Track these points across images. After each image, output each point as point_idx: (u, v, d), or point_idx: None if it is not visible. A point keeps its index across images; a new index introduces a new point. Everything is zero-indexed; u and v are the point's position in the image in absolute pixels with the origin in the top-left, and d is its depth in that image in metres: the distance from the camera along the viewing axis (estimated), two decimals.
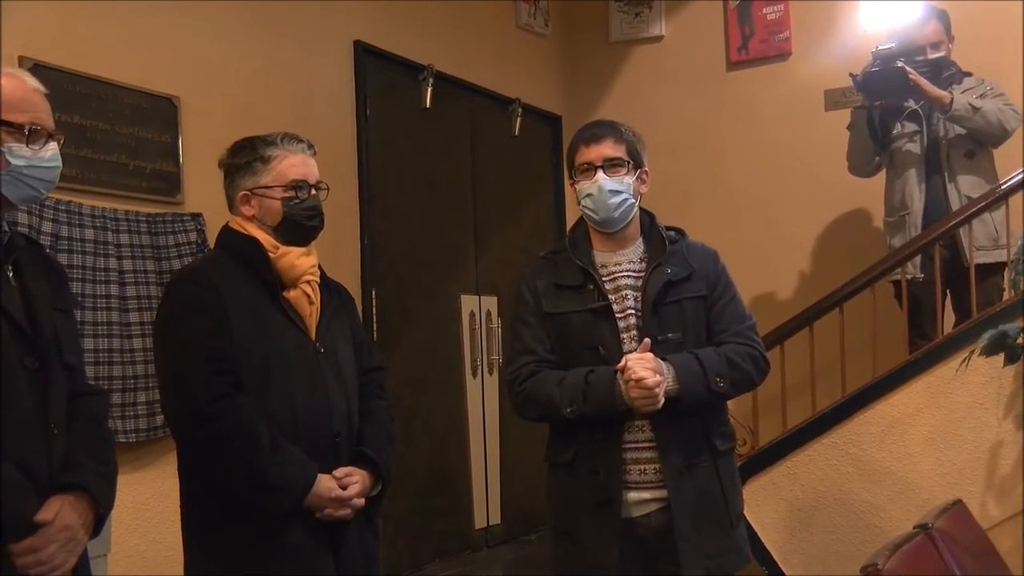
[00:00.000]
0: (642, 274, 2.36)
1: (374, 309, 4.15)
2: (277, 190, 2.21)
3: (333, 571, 2.15)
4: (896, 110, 4.02)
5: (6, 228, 1.77)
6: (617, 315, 2.33)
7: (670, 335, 2.30)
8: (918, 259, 3.84)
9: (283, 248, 2.21)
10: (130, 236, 3.17)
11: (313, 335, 2.22)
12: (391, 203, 4.33)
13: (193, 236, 3.33)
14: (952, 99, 3.81)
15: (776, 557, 3.78)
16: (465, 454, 4.64)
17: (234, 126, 2.93)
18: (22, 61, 2.91)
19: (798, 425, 3.85)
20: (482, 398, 4.76)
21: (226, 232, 2.27)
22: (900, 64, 3.81)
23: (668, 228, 2.46)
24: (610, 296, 2.34)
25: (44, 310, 1.78)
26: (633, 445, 2.30)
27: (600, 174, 2.34)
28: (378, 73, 4.32)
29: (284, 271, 2.20)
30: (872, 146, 4.04)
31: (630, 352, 2.27)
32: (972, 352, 3.20)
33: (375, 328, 4.14)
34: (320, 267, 2.31)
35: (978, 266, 3.78)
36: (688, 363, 2.26)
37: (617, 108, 5.29)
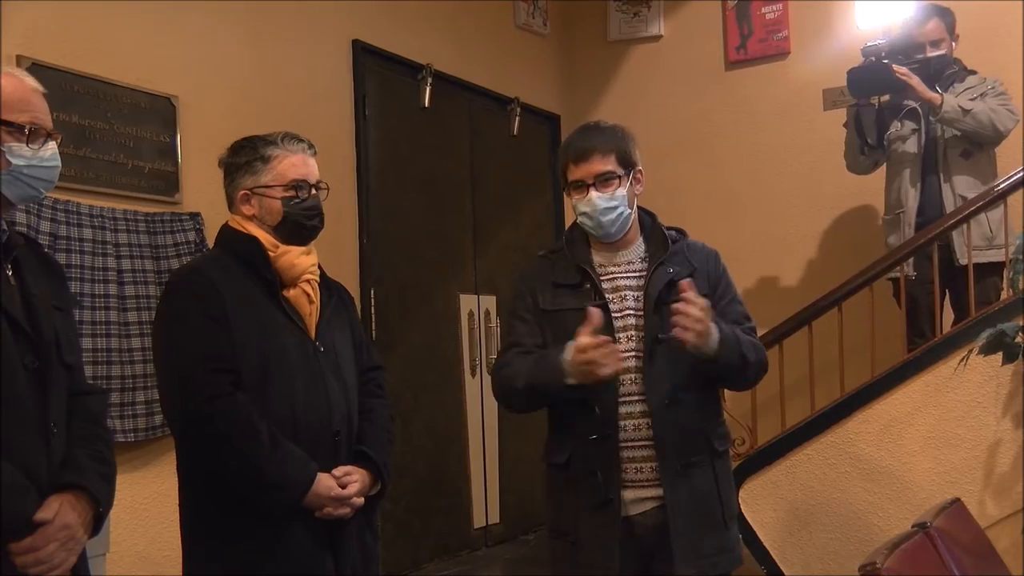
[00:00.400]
0: (643, 274, 2.35)
1: (373, 308, 4.15)
2: (277, 189, 2.21)
3: (332, 570, 2.15)
4: (895, 108, 4.02)
5: (5, 227, 1.77)
6: (614, 314, 2.33)
7: (672, 334, 2.30)
8: (936, 257, 3.82)
9: (283, 247, 2.21)
10: (128, 235, 3.17)
11: (313, 334, 2.21)
12: (390, 202, 4.33)
13: (191, 235, 3.33)
14: (942, 101, 3.80)
15: (775, 556, 3.78)
16: (464, 454, 4.64)
17: (233, 125, 2.94)
18: (20, 60, 2.91)
19: (797, 424, 3.85)
20: (481, 397, 4.76)
21: (226, 231, 2.27)
22: (884, 60, 3.81)
23: (669, 228, 2.45)
24: (608, 295, 2.34)
25: (43, 309, 1.78)
26: (631, 443, 2.30)
27: (592, 192, 2.31)
28: (377, 72, 4.32)
29: (284, 270, 2.20)
30: (860, 146, 4.03)
31: (624, 352, 2.27)
32: (970, 351, 3.20)
33: (374, 327, 4.14)
34: (320, 266, 2.31)
35: (974, 266, 3.79)
36: (724, 328, 2.26)
37: (616, 107, 5.30)
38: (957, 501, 2.59)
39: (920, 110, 3.98)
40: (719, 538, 2.32)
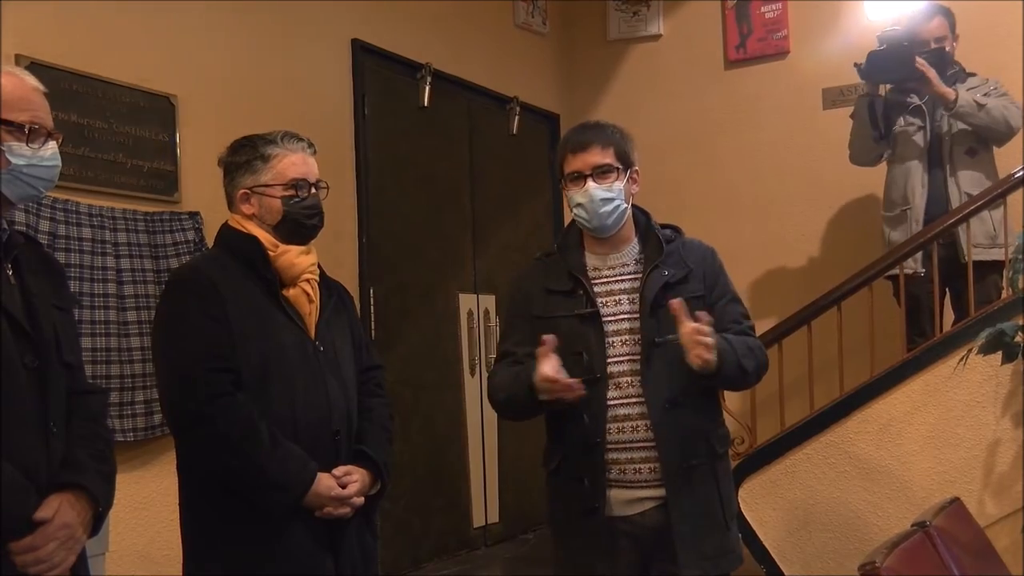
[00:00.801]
0: (638, 276, 2.35)
1: (372, 308, 4.15)
2: (277, 188, 2.20)
3: (332, 570, 2.15)
4: (901, 104, 4.02)
5: (5, 226, 1.77)
6: (606, 320, 2.32)
7: (669, 337, 2.29)
8: (920, 255, 3.83)
9: (282, 247, 2.20)
10: (128, 235, 3.17)
11: (312, 334, 2.21)
12: (389, 202, 4.33)
13: (191, 235, 3.33)
14: (957, 95, 3.81)
15: (774, 555, 3.78)
16: (463, 453, 4.64)
17: (232, 124, 2.93)
18: (19, 59, 2.91)
19: (796, 424, 3.85)
20: (480, 397, 4.75)
21: (225, 230, 2.27)
22: (906, 44, 3.81)
23: (664, 226, 2.45)
24: (602, 300, 2.34)
25: (44, 309, 1.78)
26: (629, 444, 2.30)
27: (590, 183, 2.32)
28: (376, 71, 4.32)
29: (283, 270, 2.20)
30: (873, 134, 4.02)
31: (616, 357, 2.29)
32: (970, 351, 3.21)
33: (373, 327, 4.13)
34: (319, 266, 2.31)
35: (976, 264, 3.79)
36: (720, 341, 2.24)
37: (615, 107, 5.30)
38: (956, 500, 2.59)
39: (925, 107, 3.98)
40: (721, 539, 2.33)
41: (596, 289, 2.35)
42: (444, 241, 4.65)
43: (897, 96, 4.02)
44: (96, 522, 1.78)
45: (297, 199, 2.21)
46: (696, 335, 2.17)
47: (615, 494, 2.30)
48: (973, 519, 2.63)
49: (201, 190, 3.35)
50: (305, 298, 2.22)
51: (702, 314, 2.21)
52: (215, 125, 3.42)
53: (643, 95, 5.36)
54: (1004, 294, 3.71)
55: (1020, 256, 3.00)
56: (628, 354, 2.30)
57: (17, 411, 1.67)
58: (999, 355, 3.00)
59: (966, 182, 3.91)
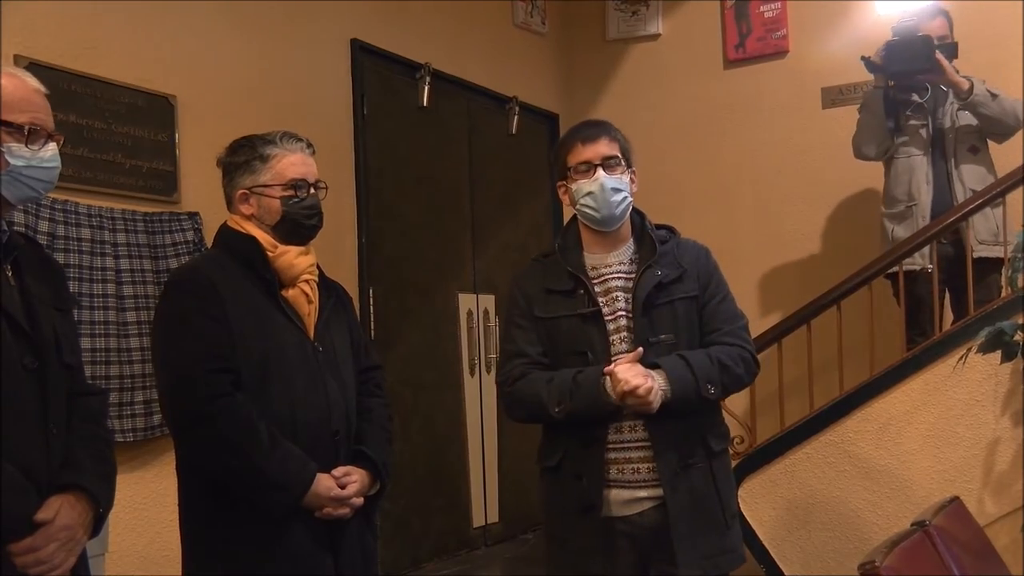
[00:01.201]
0: (632, 275, 2.35)
1: (372, 308, 4.15)
2: (276, 189, 2.20)
3: (332, 570, 2.15)
4: (904, 102, 4.01)
5: (4, 228, 1.77)
6: (607, 317, 2.33)
7: (662, 337, 2.30)
8: (927, 251, 3.82)
9: (281, 247, 2.21)
10: (127, 235, 3.17)
11: (311, 334, 2.22)
12: (389, 202, 4.33)
13: (190, 235, 3.33)
14: (971, 84, 3.82)
15: (774, 555, 3.78)
16: (463, 453, 4.64)
17: (231, 125, 2.93)
18: (18, 60, 2.91)
19: (796, 423, 3.85)
20: (480, 397, 4.76)
21: (224, 231, 2.27)
22: (924, 34, 3.82)
23: (659, 226, 2.45)
24: (601, 299, 2.34)
25: (43, 310, 1.78)
26: (627, 444, 2.30)
27: (601, 172, 2.33)
28: (375, 71, 4.32)
29: (282, 270, 2.20)
30: (889, 125, 4.00)
31: (619, 354, 2.28)
32: (969, 349, 3.21)
33: (373, 327, 4.13)
34: (318, 266, 2.31)
35: (979, 261, 3.79)
36: (679, 369, 2.25)
37: (614, 106, 5.30)
38: (956, 499, 2.59)
39: (927, 105, 3.99)
40: (720, 538, 2.33)
41: (596, 288, 2.35)
42: (444, 241, 4.65)
43: (900, 93, 4.02)
44: (96, 523, 1.79)
45: (296, 199, 2.21)
46: (628, 396, 2.18)
47: (613, 494, 2.30)
48: (973, 518, 2.63)
49: (200, 190, 3.35)
50: (304, 298, 2.22)
51: (638, 351, 2.23)
52: (214, 125, 3.42)
53: (642, 95, 5.35)
54: (1004, 292, 3.71)
55: (1020, 255, 3.00)
56: (626, 352, 2.30)
57: (17, 412, 1.67)
58: (998, 354, 3.00)
59: (970, 179, 3.92)
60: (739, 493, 3.67)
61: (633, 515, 2.30)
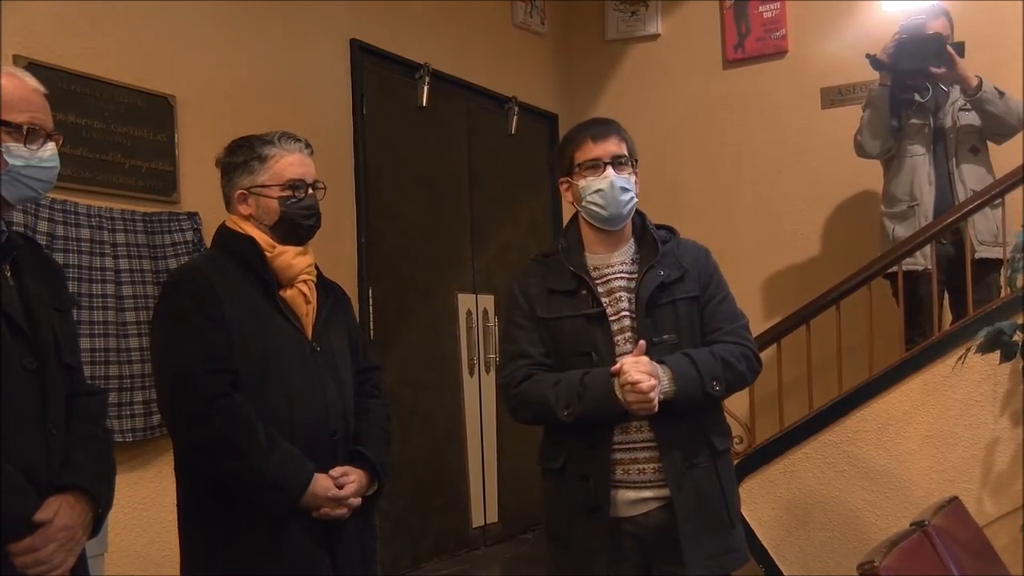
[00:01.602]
0: (635, 275, 2.35)
1: (371, 308, 4.15)
2: (274, 189, 2.21)
3: (331, 570, 2.15)
4: (905, 102, 4.02)
5: (3, 228, 1.77)
6: (611, 318, 2.32)
7: (665, 337, 2.29)
8: (929, 251, 3.81)
9: (279, 247, 2.21)
10: (126, 235, 3.17)
11: (310, 334, 2.22)
12: (388, 202, 4.33)
13: (189, 235, 3.33)
14: (980, 81, 3.83)
15: (773, 555, 3.78)
16: (462, 453, 4.64)
17: (230, 125, 2.93)
18: (17, 60, 2.90)
19: (795, 423, 3.85)
20: (479, 397, 4.76)
21: (222, 231, 2.27)
22: (936, 31, 3.83)
23: (659, 227, 2.45)
24: (604, 299, 2.33)
25: (43, 310, 1.78)
26: (632, 445, 2.29)
27: (610, 170, 2.32)
28: (375, 72, 4.32)
29: (280, 270, 2.20)
30: (893, 122, 4.00)
31: (623, 355, 2.27)
32: (968, 350, 3.21)
33: (372, 327, 4.13)
34: (316, 267, 2.31)
35: (980, 262, 3.79)
36: (684, 366, 2.25)
37: (613, 106, 5.30)
38: (955, 499, 2.59)
39: (928, 106, 3.99)
40: (726, 537, 2.33)
41: (599, 288, 2.35)
42: (443, 241, 4.65)
43: (901, 93, 4.02)
44: (96, 523, 1.79)
45: (294, 199, 2.21)
46: (631, 392, 2.18)
47: (620, 495, 2.29)
48: (972, 518, 2.64)
49: (199, 190, 3.35)
50: (302, 299, 2.22)
51: (641, 345, 2.23)
52: (214, 125, 3.42)
53: (641, 95, 5.36)
54: (1003, 293, 3.72)
55: (1019, 255, 3.00)
56: (628, 353, 2.30)
57: (16, 412, 1.67)
58: (997, 354, 3.00)
59: (971, 179, 3.93)
60: (738, 493, 3.67)
61: (638, 515, 2.30)
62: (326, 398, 2.19)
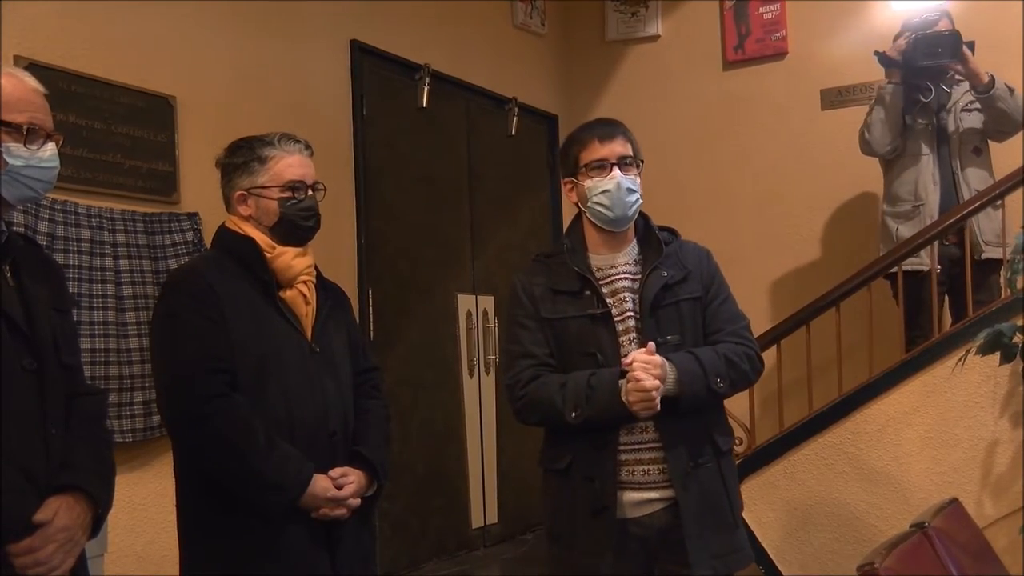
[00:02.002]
0: (638, 276, 2.35)
1: (371, 309, 4.15)
2: (274, 190, 2.21)
3: (330, 571, 2.15)
4: (909, 102, 4.01)
5: (3, 228, 1.77)
6: (616, 319, 2.32)
7: (669, 337, 2.29)
8: (935, 251, 3.80)
9: (279, 248, 2.21)
10: (126, 236, 3.17)
11: (309, 335, 2.22)
12: (388, 202, 4.33)
13: (189, 235, 3.33)
14: (993, 77, 3.84)
15: (773, 556, 3.78)
16: (462, 454, 4.64)
17: (230, 125, 2.93)
18: (17, 60, 2.90)
19: (795, 425, 3.85)
20: (479, 398, 4.76)
21: (222, 232, 2.27)
22: (953, 28, 3.85)
23: (661, 228, 2.45)
24: (608, 300, 2.33)
25: (42, 310, 1.78)
26: (638, 446, 2.29)
27: (617, 171, 2.32)
28: (375, 72, 4.32)
29: (280, 271, 2.20)
30: (907, 122, 3.99)
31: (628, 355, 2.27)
32: (968, 351, 3.21)
33: (372, 328, 4.13)
34: (316, 267, 2.31)
35: (985, 262, 3.79)
36: (689, 363, 2.26)
37: (613, 107, 5.30)
38: (955, 501, 2.59)
39: (931, 106, 3.99)
40: (730, 537, 2.33)
41: (603, 289, 2.35)
42: (443, 242, 4.65)
43: (910, 92, 4.02)
44: (95, 524, 1.78)
45: (294, 201, 2.21)
46: (633, 391, 2.18)
47: (625, 496, 2.29)
48: (972, 520, 2.64)
49: (200, 191, 3.35)
50: (302, 299, 2.22)
51: (650, 346, 2.22)
52: (214, 126, 3.42)
53: (641, 96, 5.36)
54: (1003, 294, 3.72)
55: (1019, 256, 3.00)
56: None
57: (16, 413, 1.67)
58: (997, 356, 3.00)
59: (975, 179, 3.93)
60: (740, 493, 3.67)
61: (643, 516, 2.30)
62: (325, 398, 2.19)
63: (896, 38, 4.02)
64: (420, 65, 4.51)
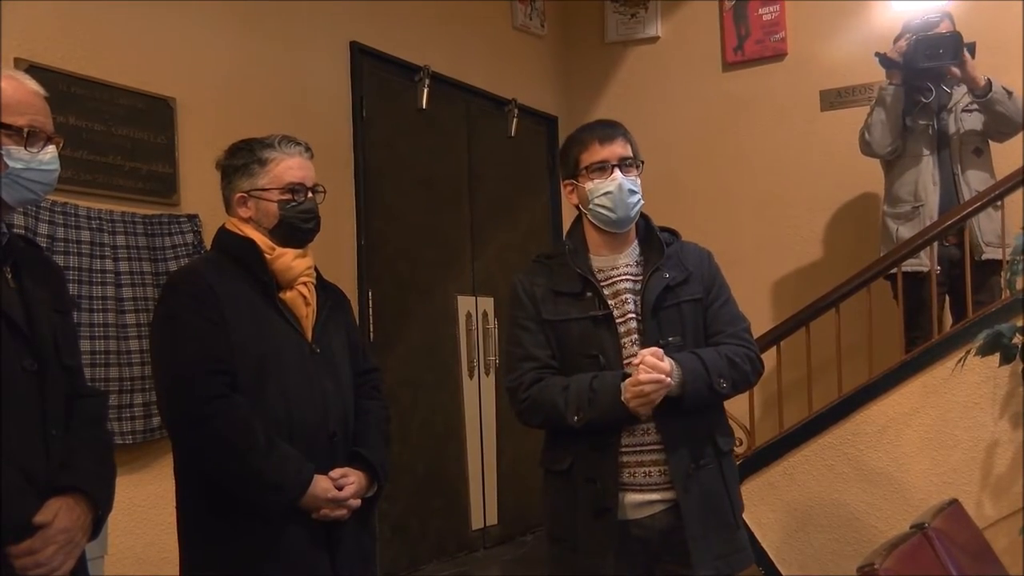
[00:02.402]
0: (640, 278, 2.35)
1: (371, 310, 4.15)
2: (274, 192, 2.21)
3: (330, 571, 2.15)
4: (910, 103, 4.02)
5: (4, 230, 1.77)
6: (618, 321, 2.32)
7: (671, 339, 2.29)
8: (935, 252, 3.81)
9: (279, 249, 2.21)
10: (126, 237, 3.17)
11: (309, 336, 2.22)
12: (388, 204, 4.33)
13: (189, 237, 3.33)
14: (990, 81, 3.84)
15: (773, 557, 3.78)
16: (462, 455, 4.64)
17: (230, 127, 2.93)
18: (18, 63, 2.91)
19: (795, 426, 3.85)
20: (479, 399, 4.76)
21: (222, 233, 2.27)
22: (954, 29, 3.86)
23: (661, 229, 2.45)
24: (610, 302, 2.33)
25: (43, 312, 1.78)
26: (639, 448, 2.29)
27: (618, 172, 2.32)
28: (374, 74, 4.32)
29: (280, 273, 2.20)
30: (907, 123, 3.99)
31: (630, 357, 2.26)
32: (968, 352, 3.21)
33: (372, 329, 4.14)
34: (316, 269, 2.31)
35: (985, 263, 3.79)
36: (692, 363, 2.26)
37: (613, 109, 5.31)
38: (955, 502, 2.59)
39: (932, 106, 3.99)
40: (731, 537, 2.33)
41: (605, 291, 2.35)
42: (443, 243, 4.65)
43: (911, 93, 4.03)
44: (96, 525, 1.78)
45: (294, 203, 2.22)
46: (630, 388, 2.19)
47: (626, 497, 2.29)
48: (972, 521, 2.64)
49: (200, 193, 3.35)
50: (302, 301, 2.23)
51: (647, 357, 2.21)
52: (214, 128, 3.42)
53: (641, 97, 5.36)
54: (1003, 295, 3.72)
55: (1018, 257, 3.00)
56: (635, 355, 2.29)
57: (16, 414, 1.67)
58: (997, 356, 3.00)
59: (975, 181, 3.94)
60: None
61: (645, 518, 2.30)
62: (325, 399, 2.20)
63: (897, 39, 4.02)
64: (420, 66, 4.51)
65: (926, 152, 4.00)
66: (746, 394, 3.72)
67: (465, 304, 4.74)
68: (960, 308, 3.91)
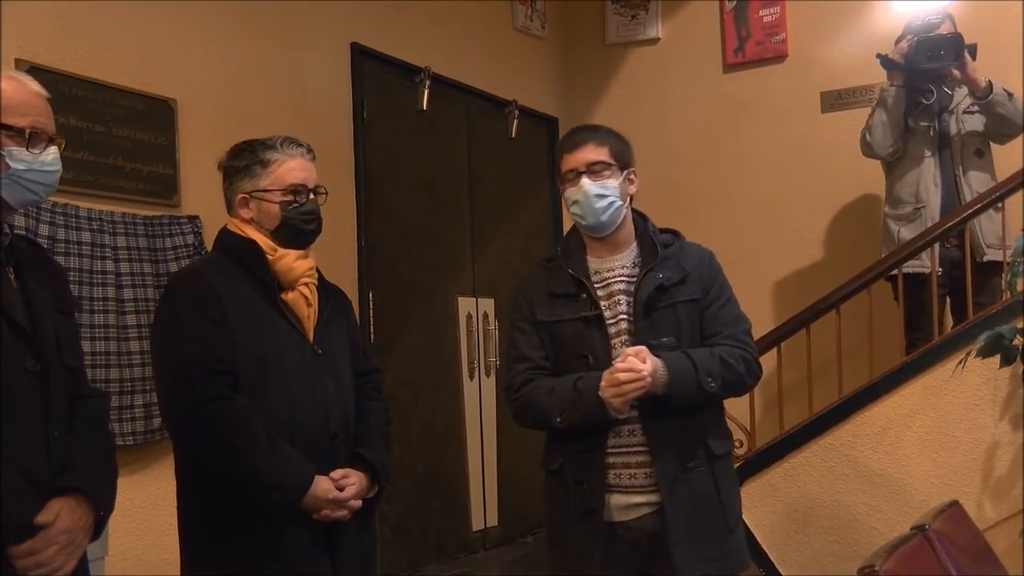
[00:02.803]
0: (635, 279, 2.36)
1: (371, 311, 4.15)
2: (276, 194, 2.21)
3: (330, 572, 2.16)
4: (911, 104, 4.02)
5: (7, 231, 1.78)
6: (608, 321, 2.33)
7: (664, 339, 2.29)
8: (936, 253, 3.80)
9: (281, 250, 2.21)
10: (127, 239, 3.17)
11: (311, 337, 2.22)
12: (388, 205, 4.33)
13: (190, 239, 3.33)
14: (990, 83, 3.84)
15: (773, 559, 3.78)
16: (462, 456, 4.64)
17: (231, 128, 2.94)
18: (19, 64, 2.91)
19: (795, 427, 3.85)
20: (479, 400, 4.76)
21: (224, 234, 2.27)
22: (956, 31, 3.86)
23: (663, 230, 2.45)
24: (603, 303, 2.34)
25: (46, 312, 1.79)
26: (624, 449, 2.30)
27: (584, 179, 2.33)
28: (375, 75, 4.32)
29: (282, 273, 2.20)
30: (910, 122, 3.99)
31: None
32: (968, 354, 3.20)
33: (372, 330, 4.14)
34: (318, 270, 2.31)
35: (986, 264, 3.80)
36: (680, 362, 2.25)
37: (613, 110, 5.31)
38: (955, 503, 2.59)
39: (933, 108, 4.00)
40: (721, 542, 2.32)
41: (598, 292, 2.35)
42: (443, 244, 4.65)
43: (912, 95, 4.03)
44: (97, 526, 1.79)
45: (295, 204, 2.22)
46: (610, 386, 2.19)
47: (612, 499, 2.30)
48: (972, 522, 2.64)
49: (200, 194, 3.35)
50: (303, 302, 2.23)
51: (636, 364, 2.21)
52: (214, 129, 3.42)
53: (642, 99, 5.36)
54: (1004, 296, 3.72)
55: (1019, 259, 3.00)
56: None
57: (18, 415, 1.67)
58: (998, 358, 3.00)
59: (976, 182, 3.94)
60: (740, 497, 3.67)
61: (631, 520, 2.30)
62: (326, 400, 2.20)
63: (898, 41, 4.02)
64: (420, 68, 4.51)
65: (927, 153, 4.00)
66: (747, 396, 3.73)
67: (465, 305, 4.74)
68: (961, 310, 3.91)
